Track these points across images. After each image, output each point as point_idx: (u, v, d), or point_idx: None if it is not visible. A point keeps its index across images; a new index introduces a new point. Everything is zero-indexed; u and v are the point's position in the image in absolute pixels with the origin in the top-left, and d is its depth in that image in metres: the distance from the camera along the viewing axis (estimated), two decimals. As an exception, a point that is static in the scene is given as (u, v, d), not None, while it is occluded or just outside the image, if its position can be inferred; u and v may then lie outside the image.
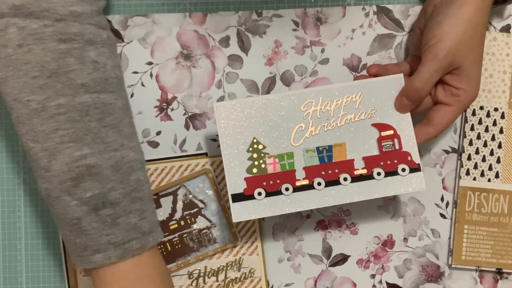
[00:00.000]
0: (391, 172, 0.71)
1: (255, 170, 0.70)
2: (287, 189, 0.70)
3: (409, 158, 0.71)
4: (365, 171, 0.70)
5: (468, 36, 0.68)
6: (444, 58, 0.68)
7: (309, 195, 0.70)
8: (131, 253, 0.64)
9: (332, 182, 0.70)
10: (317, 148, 0.71)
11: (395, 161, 0.70)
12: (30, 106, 0.62)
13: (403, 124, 0.71)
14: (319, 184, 0.70)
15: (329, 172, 0.70)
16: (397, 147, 0.71)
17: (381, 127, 0.71)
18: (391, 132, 0.71)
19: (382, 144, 0.71)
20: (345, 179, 0.70)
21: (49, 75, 0.62)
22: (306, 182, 0.70)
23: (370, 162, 0.71)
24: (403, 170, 0.70)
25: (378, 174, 0.70)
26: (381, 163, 0.71)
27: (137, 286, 0.65)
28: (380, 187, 0.70)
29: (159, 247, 0.79)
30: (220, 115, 0.70)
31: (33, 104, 0.62)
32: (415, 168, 0.71)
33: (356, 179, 0.70)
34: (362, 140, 0.71)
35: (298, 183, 0.70)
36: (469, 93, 0.70)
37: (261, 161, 0.70)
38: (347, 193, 0.70)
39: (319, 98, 0.71)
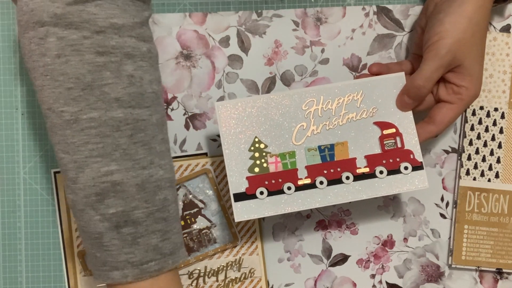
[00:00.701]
0: (393, 171, 0.70)
1: (257, 169, 0.70)
2: (289, 188, 0.70)
3: (411, 156, 0.70)
4: (367, 169, 0.70)
5: (469, 34, 0.68)
6: (445, 55, 0.68)
7: (311, 194, 0.70)
8: (149, 274, 0.63)
9: (335, 181, 0.70)
10: (319, 147, 0.71)
11: (398, 160, 0.70)
12: (63, 117, 0.61)
13: (405, 122, 0.71)
14: (321, 183, 0.70)
15: (331, 171, 0.70)
16: (399, 145, 0.71)
17: (383, 125, 0.71)
18: (393, 130, 0.71)
19: (384, 142, 0.71)
20: (347, 177, 0.70)
21: (84, 87, 0.61)
22: (308, 181, 0.70)
23: (372, 160, 0.70)
24: (406, 168, 0.70)
25: (381, 172, 0.70)
26: (384, 162, 0.70)
27: None
28: (382, 185, 0.70)
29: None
30: (221, 115, 0.70)
31: (66, 115, 0.61)
32: (417, 166, 0.70)
33: (358, 177, 0.70)
34: (364, 138, 0.71)
35: (300, 182, 0.70)
36: (471, 91, 0.70)
37: (262, 160, 0.70)
38: (349, 191, 0.70)
39: (321, 96, 0.71)
